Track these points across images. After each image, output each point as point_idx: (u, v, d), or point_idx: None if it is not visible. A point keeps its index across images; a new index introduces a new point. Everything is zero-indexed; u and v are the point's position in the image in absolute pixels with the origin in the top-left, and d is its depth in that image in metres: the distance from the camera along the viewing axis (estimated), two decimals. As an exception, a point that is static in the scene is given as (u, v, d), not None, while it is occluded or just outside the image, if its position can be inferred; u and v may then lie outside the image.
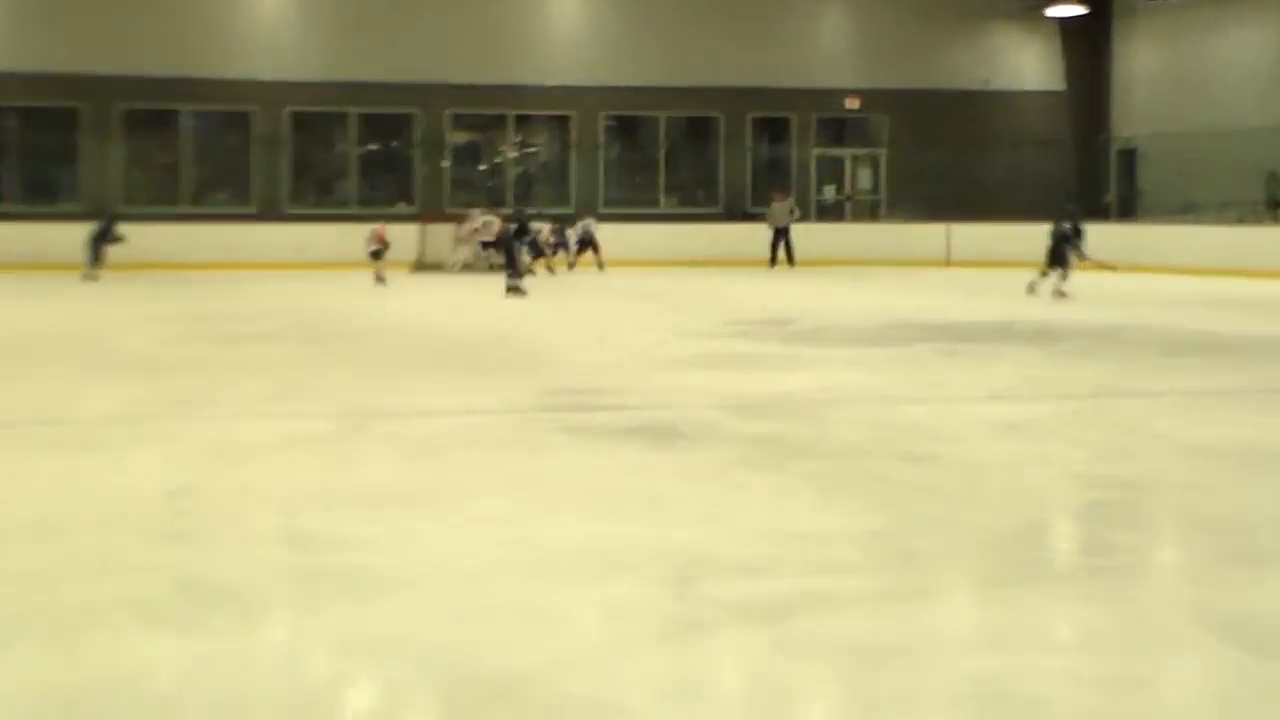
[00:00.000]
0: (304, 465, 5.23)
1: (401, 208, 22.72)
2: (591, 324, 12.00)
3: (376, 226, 17.98)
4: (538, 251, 19.78)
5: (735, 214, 23.87)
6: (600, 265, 20.65)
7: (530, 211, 19.52)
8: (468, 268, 20.08)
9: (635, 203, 23.96)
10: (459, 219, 20.56)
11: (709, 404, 6.87)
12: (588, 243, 20.84)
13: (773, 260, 21.85)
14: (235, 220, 21.81)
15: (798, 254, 21.80)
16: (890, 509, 4.48)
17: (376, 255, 17.68)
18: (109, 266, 18.47)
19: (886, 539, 4.07)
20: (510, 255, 15.36)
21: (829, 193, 25.25)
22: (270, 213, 22.33)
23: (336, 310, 13.47)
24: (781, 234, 21.93)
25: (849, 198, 25.24)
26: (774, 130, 24.65)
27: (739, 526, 4.23)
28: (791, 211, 22.05)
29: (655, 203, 24.15)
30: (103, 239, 18.56)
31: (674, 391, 7.37)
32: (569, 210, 22.53)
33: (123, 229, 18.72)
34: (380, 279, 17.34)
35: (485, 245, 18.33)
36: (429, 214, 21.96)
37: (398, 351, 9.60)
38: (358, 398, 7.12)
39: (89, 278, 18.05)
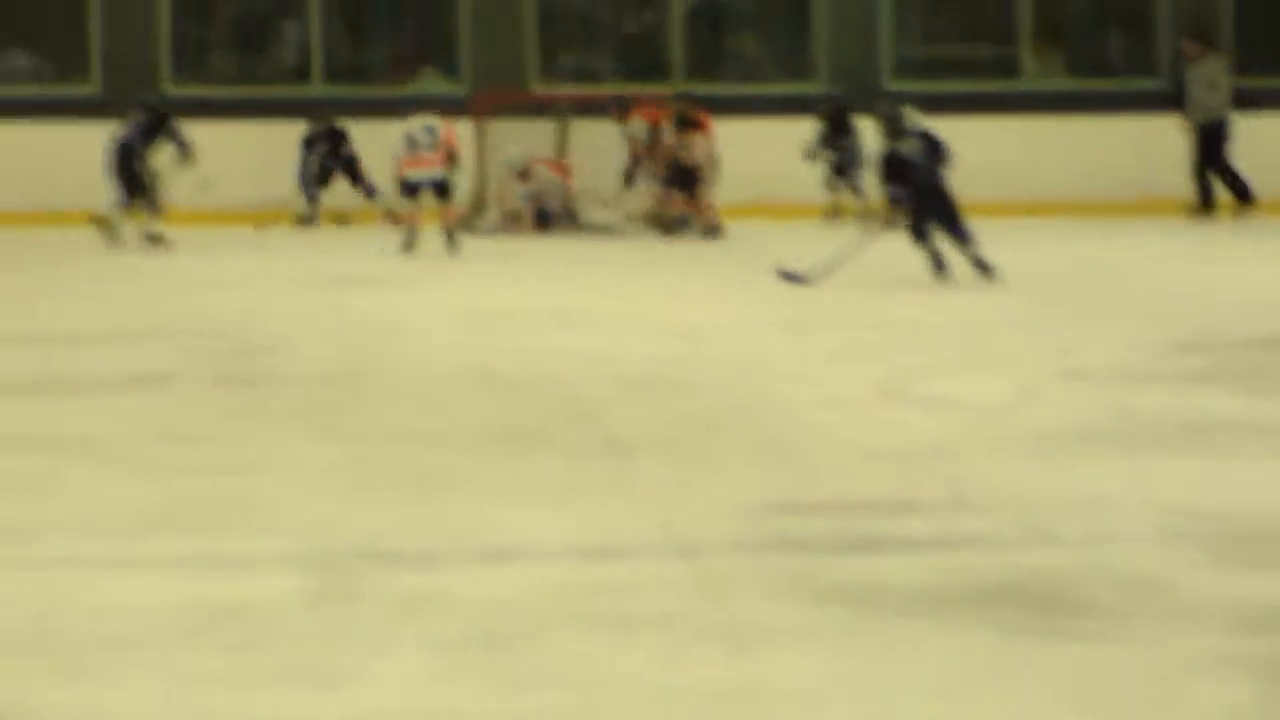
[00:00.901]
0: (234, 677, 5.25)
1: (430, 81, 23.15)
2: (871, 351, 12.15)
3: (430, 125, 18.42)
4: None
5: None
6: (714, 226, 21.10)
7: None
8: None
9: (946, 71, 24.00)
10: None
11: (1153, 532, 6.93)
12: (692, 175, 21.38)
13: (1205, 199, 22.57)
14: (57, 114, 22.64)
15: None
16: None
17: (411, 192, 18.12)
18: None
19: None
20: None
21: None
22: (121, 91, 22.80)
23: (290, 320, 13.75)
24: (1213, 138, 22.34)
25: None
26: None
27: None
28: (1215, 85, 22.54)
29: (1011, 70, 24.10)
30: None
31: (1068, 504, 7.44)
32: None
33: None
34: (408, 242, 18.04)
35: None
36: (493, 95, 22.48)
37: (423, 411, 9.80)
38: (344, 517, 7.24)
39: None
